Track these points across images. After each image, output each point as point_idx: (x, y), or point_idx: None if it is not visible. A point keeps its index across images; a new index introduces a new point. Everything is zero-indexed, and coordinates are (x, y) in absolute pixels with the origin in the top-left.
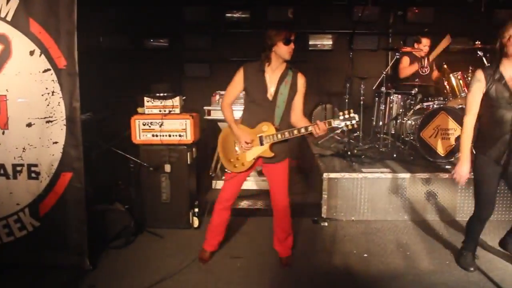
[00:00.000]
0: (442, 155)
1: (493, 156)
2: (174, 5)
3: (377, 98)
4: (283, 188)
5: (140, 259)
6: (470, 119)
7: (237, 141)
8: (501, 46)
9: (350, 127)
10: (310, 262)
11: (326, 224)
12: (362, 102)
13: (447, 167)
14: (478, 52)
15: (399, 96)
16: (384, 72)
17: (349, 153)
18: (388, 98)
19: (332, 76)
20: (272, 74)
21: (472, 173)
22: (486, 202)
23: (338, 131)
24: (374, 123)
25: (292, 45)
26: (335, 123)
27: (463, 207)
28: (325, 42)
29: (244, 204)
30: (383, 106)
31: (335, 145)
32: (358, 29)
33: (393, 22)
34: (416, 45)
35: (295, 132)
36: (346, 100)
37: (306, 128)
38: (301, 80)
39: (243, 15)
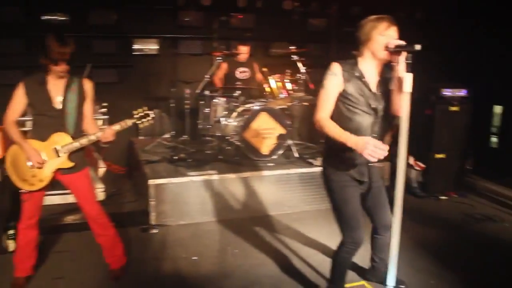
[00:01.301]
0: (266, 153)
1: (355, 170)
2: None
3: (202, 102)
4: (91, 197)
5: None
6: (324, 116)
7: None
8: (364, 41)
9: (146, 123)
10: (141, 271)
11: (156, 231)
12: (187, 106)
13: (269, 164)
14: (293, 56)
15: (223, 99)
16: (206, 77)
17: (175, 157)
18: (212, 101)
19: (159, 80)
20: (55, 84)
21: (329, 191)
22: (356, 221)
23: (167, 136)
24: (200, 126)
25: (62, 66)
26: (130, 122)
27: (285, 201)
28: (151, 46)
29: (60, 219)
30: (208, 109)
31: (163, 150)
32: (183, 33)
33: (217, 27)
34: (235, 51)
35: (91, 138)
36: (172, 105)
37: (95, 134)
38: (88, 85)
39: (61, 18)
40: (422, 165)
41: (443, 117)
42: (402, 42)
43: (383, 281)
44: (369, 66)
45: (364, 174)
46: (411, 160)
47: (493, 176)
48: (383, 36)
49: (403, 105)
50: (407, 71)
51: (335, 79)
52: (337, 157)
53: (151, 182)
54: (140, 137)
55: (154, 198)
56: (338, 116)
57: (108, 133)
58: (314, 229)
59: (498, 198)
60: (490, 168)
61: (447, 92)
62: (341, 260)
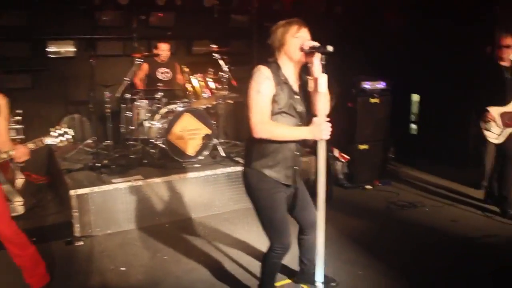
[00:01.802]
0: (192, 155)
1: (282, 175)
2: None
3: (123, 105)
4: (4, 216)
5: None
6: (267, 119)
7: None
8: (278, 47)
9: (65, 142)
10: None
11: (81, 243)
12: (108, 110)
13: (196, 166)
14: (214, 54)
15: (145, 101)
16: (126, 79)
17: (98, 164)
18: (134, 103)
19: (77, 84)
20: None
21: (256, 199)
22: (285, 227)
23: (89, 141)
24: (122, 130)
25: None
26: (47, 141)
27: (214, 202)
28: (67, 48)
29: None
30: (130, 112)
31: (85, 157)
32: (101, 34)
33: (136, 27)
34: (155, 51)
35: (2, 157)
36: (92, 109)
37: (7, 153)
38: (1, 102)
39: None
40: (347, 157)
41: (364, 109)
42: (316, 44)
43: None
44: (288, 70)
45: (290, 177)
46: (336, 152)
47: (414, 162)
48: (296, 38)
49: (319, 105)
50: (322, 72)
51: (269, 83)
52: (265, 162)
53: (73, 192)
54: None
55: (77, 209)
56: None
57: (21, 152)
58: (243, 228)
59: (419, 183)
60: (411, 154)
61: (367, 85)
62: (270, 265)
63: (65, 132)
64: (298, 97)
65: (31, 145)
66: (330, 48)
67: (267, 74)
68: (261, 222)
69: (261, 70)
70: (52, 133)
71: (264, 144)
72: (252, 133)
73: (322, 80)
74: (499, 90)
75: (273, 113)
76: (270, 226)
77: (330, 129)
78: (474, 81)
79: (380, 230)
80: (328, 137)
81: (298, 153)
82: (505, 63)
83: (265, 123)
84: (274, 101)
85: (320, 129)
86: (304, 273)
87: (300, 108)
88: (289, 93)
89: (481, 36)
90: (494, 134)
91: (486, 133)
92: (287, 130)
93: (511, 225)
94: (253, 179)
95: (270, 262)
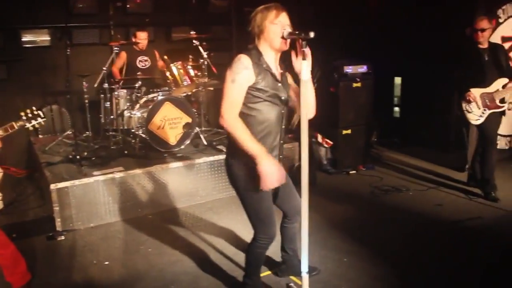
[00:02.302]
0: (173, 144)
1: None
2: None
3: (102, 95)
4: None
5: None
6: (234, 116)
7: None
8: (258, 33)
9: (37, 125)
10: (48, 284)
11: (63, 237)
12: (87, 101)
13: (178, 155)
14: (194, 41)
15: (125, 91)
16: (104, 69)
17: (78, 157)
18: (114, 93)
19: (54, 74)
20: None
21: (241, 190)
22: (270, 217)
23: (69, 133)
24: (102, 121)
25: None
26: (17, 125)
27: (197, 191)
28: (42, 37)
29: None
30: (108, 102)
31: (65, 149)
32: (77, 22)
33: (113, 14)
34: (133, 39)
35: None
36: (70, 100)
37: None
38: None
39: None
40: (330, 142)
41: (346, 93)
42: (296, 31)
43: (297, 274)
44: (269, 57)
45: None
46: (319, 138)
47: (398, 146)
48: (275, 24)
49: (302, 92)
50: (303, 59)
51: (247, 73)
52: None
53: (53, 186)
54: (40, 136)
55: (58, 203)
56: (247, 109)
57: None
58: (228, 217)
59: (402, 167)
60: (396, 137)
61: (349, 69)
62: (255, 255)
63: (37, 115)
64: (281, 84)
65: (0, 132)
66: (311, 34)
67: (246, 64)
68: (246, 212)
69: (240, 60)
70: (23, 117)
71: (251, 132)
72: (220, 119)
73: (304, 67)
74: (479, 72)
75: (257, 101)
76: (256, 217)
77: (279, 181)
78: (455, 64)
79: (364, 215)
80: (275, 185)
81: (282, 141)
82: (482, 46)
83: (232, 120)
84: (257, 89)
85: (270, 175)
86: (286, 264)
87: (284, 95)
88: (272, 81)
89: (461, 18)
90: (475, 115)
91: (467, 114)
92: (248, 140)
93: (493, 207)
94: (238, 170)
95: (254, 252)
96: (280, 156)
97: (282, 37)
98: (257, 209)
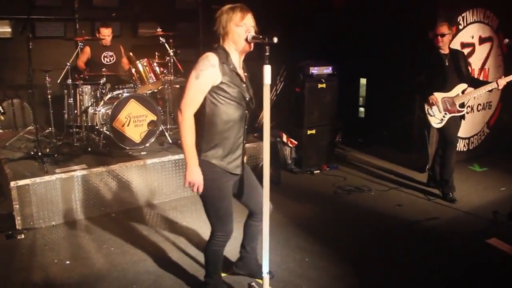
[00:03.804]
0: (138, 142)
1: (232, 165)
2: None
3: (65, 91)
4: None
5: None
6: (190, 114)
7: None
8: (223, 35)
9: None
10: (6, 285)
11: (22, 236)
12: (50, 96)
13: (143, 153)
14: (161, 38)
15: (89, 87)
16: (68, 64)
17: (40, 153)
18: (78, 89)
19: (16, 67)
20: None
21: (204, 189)
22: (230, 215)
23: (30, 128)
24: (65, 117)
25: None
26: None
27: (162, 189)
28: (3, 29)
29: None
30: (72, 98)
31: (26, 145)
32: (40, 14)
33: (78, 7)
34: (97, 34)
35: None
36: (32, 95)
37: None
38: None
39: None
40: (295, 142)
41: (312, 94)
42: (260, 35)
43: (252, 273)
44: (235, 58)
45: (239, 166)
46: (284, 137)
47: (362, 146)
48: (240, 26)
49: (264, 96)
50: (266, 63)
51: (213, 72)
52: (215, 152)
53: (13, 184)
54: (0, 131)
55: (18, 201)
56: (212, 109)
57: None
58: (191, 215)
59: (366, 167)
60: (360, 137)
61: (315, 70)
62: (213, 253)
63: None
64: (245, 85)
65: None
66: (275, 39)
67: (213, 62)
68: (206, 210)
69: (208, 58)
70: None
71: (213, 133)
72: (177, 111)
73: (266, 71)
74: (440, 76)
75: (223, 102)
76: (215, 215)
77: (199, 189)
78: (418, 66)
79: (327, 215)
80: (194, 191)
81: (245, 141)
82: (443, 51)
83: (186, 119)
84: (223, 89)
85: (192, 180)
86: (242, 261)
87: (248, 96)
88: (237, 81)
89: (424, 21)
90: (436, 119)
91: (429, 117)
92: (189, 144)
93: (451, 208)
94: (202, 169)
95: (212, 250)
96: (244, 156)
97: (246, 40)
98: (218, 207)
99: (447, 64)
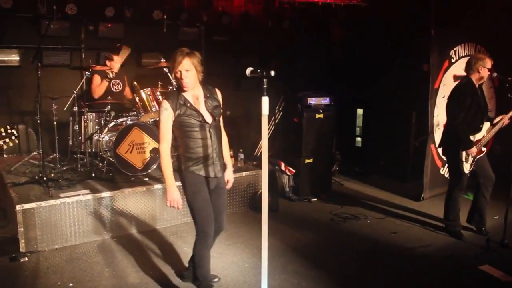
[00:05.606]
0: (140, 168)
1: (203, 170)
2: None
3: (71, 118)
4: None
5: None
6: (166, 146)
7: None
8: (176, 78)
9: (11, 143)
10: None
11: (26, 259)
12: (55, 123)
13: (145, 179)
14: (164, 68)
15: (94, 114)
16: (75, 92)
17: (45, 178)
18: (83, 117)
19: (23, 94)
20: None
21: (189, 195)
22: (205, 214)
23: (35, 153)
24: (70, 143)
25: None
26: None
27: (163, 215)
28: (12, 57)
29: None
30: (77, 125)
31: (31, 169)
32: (47, 43)
33: (84, 37)
34: (108, 63)
35: None
36: (38, 121)
37: None
38: None
39: None
40: (292, 170)
41: (310, 124)
42: (258, 70)
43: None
44: (187, 93)
45: (211, 170)
46: (282, 166)
47: (358, 175)
48: (177, 73)
49: (262, 126)
50: (264, 95)
51: (167, 113)
52: (190, 162)
53: (19, 207)
54: (5, 156)
55: (23, 224)
56: (183, 136)
57: None
58: (191, 241)
59: (362, 196)
60: (357, 167)
61: (313, 101)
62: (198, 255)
63: (11, 133)
64: (197, 111)
65: None
66: (272, 73)
67: (165, 106)
68: (192, 214)
69: (162, 104)
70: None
71: (187, 151)
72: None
73: (264, 102)
74: (477, 115)
75: (187, 129)
76: (198, 216)
77: (178, 205)
78: (415, 98)
79: (323, 241)
80: (174, 207)
81: (217, 150)
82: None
83: (164, 150)
84: (181, 120)
85: (171, 196)
86: (188, 271)
87: (201, 118)
88: (189, 111)
89: (419, 54)
90: (468, 165)
91: (464, 164)
92: (167, 171)
93: (444, 235)
94: (181, 175)
95: (197, 250)
96: (216, 162)
97: (181, 82)
98: (193, 206)
99: (482, 104)
